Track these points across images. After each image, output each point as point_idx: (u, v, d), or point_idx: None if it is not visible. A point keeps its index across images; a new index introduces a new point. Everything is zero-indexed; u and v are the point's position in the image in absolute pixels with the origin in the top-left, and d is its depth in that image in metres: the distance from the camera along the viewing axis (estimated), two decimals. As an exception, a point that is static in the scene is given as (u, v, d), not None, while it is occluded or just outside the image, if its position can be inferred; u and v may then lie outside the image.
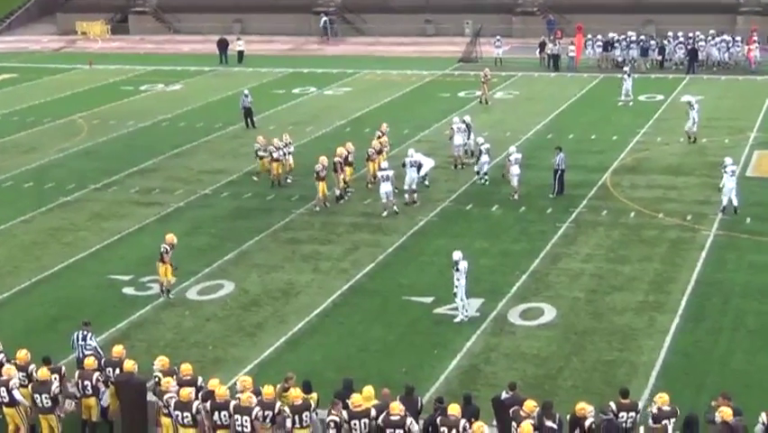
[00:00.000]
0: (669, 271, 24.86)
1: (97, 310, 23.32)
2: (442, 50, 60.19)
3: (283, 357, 20.94)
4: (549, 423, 15.42)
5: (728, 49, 52.21)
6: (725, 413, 15.18)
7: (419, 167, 30.80)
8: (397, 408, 15.75)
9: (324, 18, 66.92)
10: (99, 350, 19.24)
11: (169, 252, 23.78)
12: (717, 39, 52.50)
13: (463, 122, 34.78)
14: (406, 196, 30.33)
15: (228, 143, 39.01)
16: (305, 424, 16.25)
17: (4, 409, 17.27)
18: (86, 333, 19.33)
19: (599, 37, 53.98)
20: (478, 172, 32.39)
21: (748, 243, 26.64)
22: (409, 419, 15.73)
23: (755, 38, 52.07)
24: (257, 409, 16.07)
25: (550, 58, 53.55)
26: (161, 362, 17.72)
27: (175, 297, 24.08)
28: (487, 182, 32.14)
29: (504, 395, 16.64)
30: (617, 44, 53.43)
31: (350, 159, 31.44)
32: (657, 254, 25.97)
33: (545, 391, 18.74)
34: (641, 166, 34.24)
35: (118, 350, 18.25)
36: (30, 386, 17.40)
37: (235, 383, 18.29)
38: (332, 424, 16.00)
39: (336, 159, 30.68)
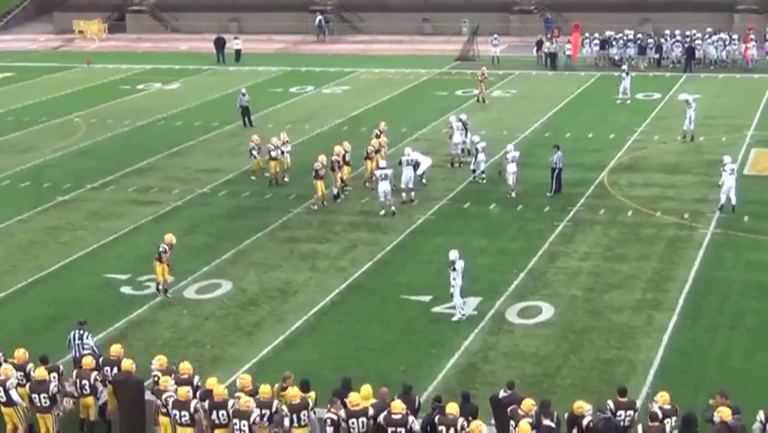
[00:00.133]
0: (667, 270, 24.87)
1: (95, 310, 23.31)
2: (439, 48, 60.22)
3: (281, 356, 20.93)
4: (547, 422, 15.42)
5: (725, 47, 52.27)
6: (724, 413, 15.17)
7: (416, 165, 30.80)
8: (398, 406, 15.74)
9: (320, 17, 66.90)
10: (96, 349, 19.22)
11: (167, 251, 23.77)
12: (715, 37, 52.56)
13: (460, 120, 34.78)
14: (404, 194, 30.32)
15: (225, 142, 39.00)
16: (303, 423, 16.24)
17: (2, 408, 17.26)
18: (82, 332, 19.31)
19: (597, 35, 53.99)
20: (474, 171, 32.39)
21: (746, 241, 26.65)
22: (411, 418, 15.72)
23: (752, 36, 52.10)
24: (255, 412, 16.04)
25: (547, 56, 53.57)
26: (159, 361, 17.69)
27: (173, 296, 24.06)
28: (484, 180, 32.14)
29: (502, 394, 16.64)
30: (614, 42, 53.48)
31: (347, 158, 31.43)
32: (655, 253, 25.98)
33: (543, 389, 18.74)
34: (638, 164, 34.25)
35: (116, 349, 18.23)
36: (27, 386, 17.38)
37: (234, 382, 18.34)
38: (329, 421, 16.00)
39: (334, 157, 30.67)
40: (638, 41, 53.03)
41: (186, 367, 17.45)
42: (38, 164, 36.69)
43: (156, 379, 17.31)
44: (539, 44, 54.56)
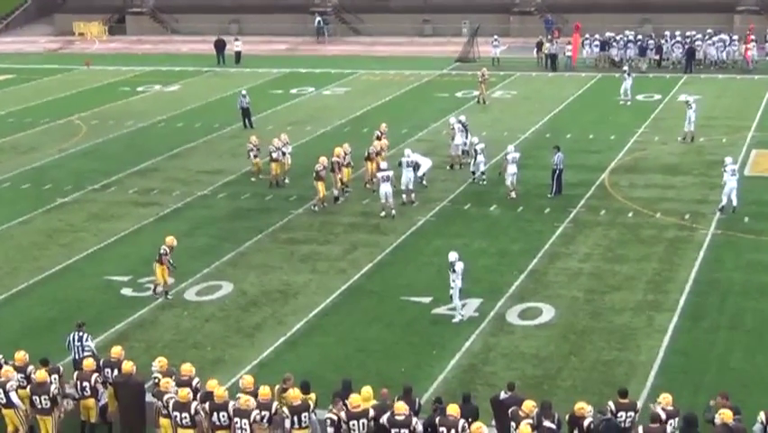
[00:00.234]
0: (667, 271, 24.87)
1: (96, 311, 23.34)
2: (439, 49, 60.26)
3: (282, 358, 20.93)
4: (547, 423, 15.42)
5: (726, 48, 52.28)
6: (725, 415, 15.17)
7: (416, 167, 30.80)
8: (402, 407, 15.74)
9: (319, 18, 66.96)
10: (94, 351, 19.22)
11: (168, 253, 23.78)
12: (715, 38, 52.57)
13: (459, 122, 34.78)
14: (404, 196, 30.32)
15: (226, 144, 39.01)
16: (304, 425, 16.24)
17: (3, 410, 17.27)
18: (81, 334, 19.32)
19: (597, 36, 54.02)
20: (473, 173, 32.39)
21: (746, 242, 26.66)
22: (414, 419, 15.73)
23: (753, 37, 52.11)
24: (256, 411, 16.06)
25: (547, 57, 53.59)
26: (160, 363, 17.69)
27: (173, 298, 24.07)
28: (485, 182, 32.15)
29: (503, 395, 16.64)
30: (614, 43, 53.49)
31: (347, 159, 31.44)
32: (655, 254, 25.98)
33: (544, 390, 18.74)
34: (639, 165, 34.26)
35: (117, 351, 18.23)
36: (28, 387, 17.38)
37: (235, 384, 18.37)
38: (329, 422, 16.01)
39: (334, 159, 30.68)
40: (638, 42, 53.05)
41: (187, 369, 17.45)
42: (39, 166, 36.70)
43: (156, 381, 17.32)
44: (539, 45, 54.58)
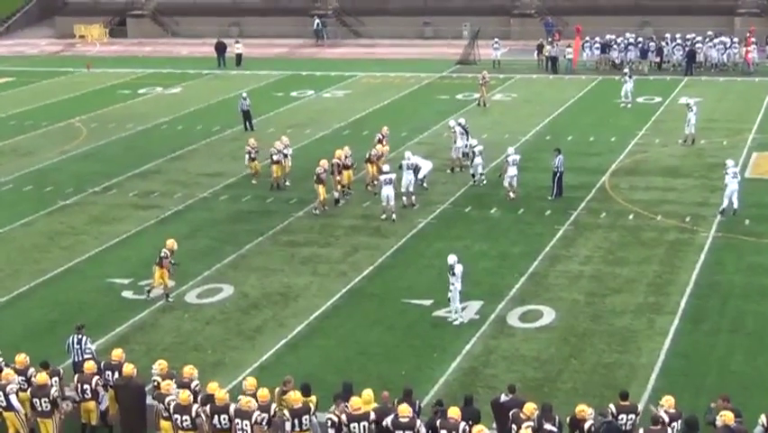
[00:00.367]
0: (668, 273, 24.87)
1: (97, 314, 23.36)
2: (440, 52, 60.26)
3: (282, 360, 20.93)
4: (548, 426, 15.42)
5: (726, 50, 52.28)
6: (727, 417, 15.19)
7: (416, 169, 30.80)
8: (406, 410, 15.74)
9: (318, 21, 67.02)
10: (94, 354, 19.21)
11: (168, 256, 23.78)
12: (716, 40, 52.58)
13: (459, 124, 34.77)
14: (404, 198, 30.33)
15: (227, 146, 39.01)
16: (305, 427, 16.25)
17: (4, 413, 17.27)
18: (80, 337, 19.32)
19: (597, 39, 54.04)
20: (473, 175, 32.40)
21: (747, 244, 26.66)
22: (418, 422, 15.73)
23: (753, 39, 52.13)
24: (257, 413, 16.07)
25: (548, 60, 53.62)
26: (160, 366, 17.70)
27: (174, 300, 24.07)
28: (484, 182, 32.17)
29: (503, 398, 16.65)
30: (614, 46, 53.52)
31: (348, 162, 31.45)
32: (656, 256, 25.99)
33: (545, 393, 18.74)
34: (639, 168, 34.26)
35: (117, 354, 18.24)
36: (29, 390, 17.39)
37: (235, 386, 18.40)
38: (329, 422, 16.01)
39: (335, 160, 30.71)
40: (639, 45, 53.06)
41: (188, 371, 17.45)
42: (40, 168, 36.73)
43: (156, 384, 17.33)
44: (540, 48, 54.61)
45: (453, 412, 15.70)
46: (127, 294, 24.69)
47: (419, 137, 39.20)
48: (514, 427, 15.56)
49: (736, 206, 28.48)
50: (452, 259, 22.28)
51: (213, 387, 16.83)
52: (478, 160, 32.17)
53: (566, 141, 37.26)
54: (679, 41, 52.94)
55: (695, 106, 37.07)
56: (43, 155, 38.55)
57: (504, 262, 26.03)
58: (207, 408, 16.47)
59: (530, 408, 15.65)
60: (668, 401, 15.86)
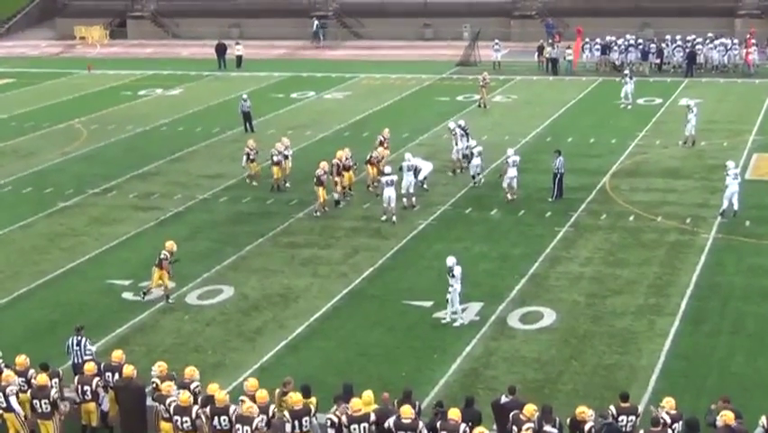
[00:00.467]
0: (668, 275, 24.86)
1: (97, 315, 23.36)
2: (440, 53, 60.25)
3: (283, 362, 20.92)
4: (549, 427, 15.42)
5: (727, 52, 52.28)
6: (727, 417, 15.19)
7: (416, 171, 30.80)
8: (408, 411, 15.72)
9: (316, 22, 67.06)
10: (93, 355, 19.20)
11: (167, 258, 23.77)
12: (716, 42, 52.58)
13: (459, 126, 34.76)
14: (405, 200, 30.32)
15: (227, 148, 39.00)
16: (305, 429, 16.23)
17: (4, 414, 17.27)
18: (79, 338, 19.31)
19: (597, 40, 54.05)
20: (474, 177, 32.41)
21: (747, 245, 26.65)
22: (420, 423, 15.71)
23: (754, 41, 52.13)
24: (258, 418, 16.04)
25: (548, 61, 53.63)
26: (160, 368, 17.69)
27: (174, 301, 24.07)
28: (482, 181, 32.19)
29: (504, 399, 16.64)
30: (614, 47, 53.51)
31: (349, 163, 31.44)
32: (656, 258, 25.98)
33: (545, 394, 18.73)
34: (640, 169, 34.26)
35: (117, 355, 18.24)
36: (29, 392, 17.38)
37: (235, 388, 18.38)
38: (329, 422, 16.00)
39: (335, 161, 30.72)
40: (640, 46, 53.06)
41: (190, 372, 17.43)
42: (40, 170, 36.73)
43: (154, 386, 17.32)
44: (540, 49, 54.61)
45: (454, 414, 15.68)
46: (127, 295, 24.68)
47: (419, 138, 39.20)
48: (514, 428, 15.55)
49: (736, 207, 28.47)
50: (450, 261, 22.29)
51: (213, 388, 16.81)
52: (476, 160, 32.18)
53: (566, 142, 37.27)
54: (679, 42, 52.95)
55: (695, 108, 37.06)
56: (44, 156, 38.56)
57: (504, 263, 26.02)
58: (207, 409, 16.46)
59: (530, 409, 15.64)
60: (669, 403, 15.85)
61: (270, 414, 16.24)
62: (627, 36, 54.05)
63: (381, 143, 33.31)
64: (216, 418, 16.31)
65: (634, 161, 35.23)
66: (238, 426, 16.05)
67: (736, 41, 53.13)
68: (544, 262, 25.91)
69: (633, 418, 16.02)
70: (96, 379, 17.65)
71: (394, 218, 29.15)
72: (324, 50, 65.04)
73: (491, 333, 21.95)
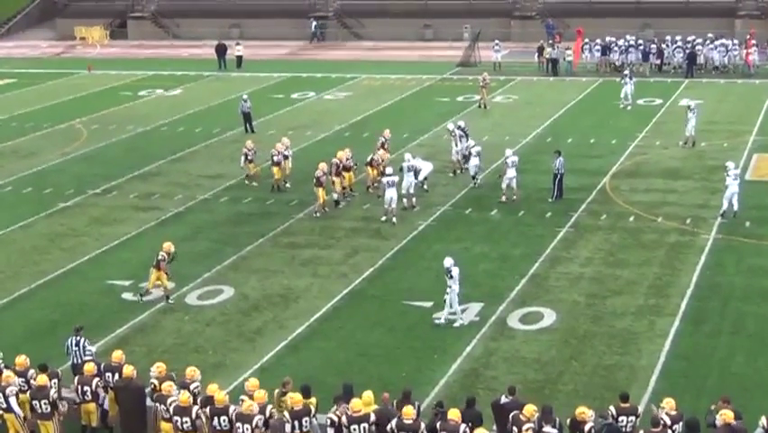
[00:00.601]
0: (668, 275, 24.87)
1: (97, 315, 23.37)
2: (440, 54, 60.26)
3: (283, 362, 20.92)
4: (549, 427, 15.42)
5: (727, 52, 52.29)
6: (727, 415, 15.20)
7: (416, 171, 30.80)
8: (410, 412, 15.72)
9: (314, 23, 67.07)
10: (94, 355, 19.21)
11: (165, 259, 23.76)
12: (717, 42, 52.58)
13: (459, 127, 34.75)
14: (405, 200, 30.33)
15: (227, 148, 39.00)
16: (305, 429, 16.23)
17: (4, 415, 17.27)
18: (78, 338, 19.31)
19: (598, 41, 54.05)
20: (474, 177, 32.42)
21: (747, 246, 26.66)
22: (422, 424, 15.70)
23: (754, 41, 52.14)
24: (258, 416, 16.05)
25: (548, 62, 53.63)
26: (159, 369, 17.67)
27: (174, 302, 24.07)
28: (479, 182, 32.19)
29: (504, 399, 16.64)
30: (615, 48, 53.51)
31: (349, 164, 31.44)
32: (656, 258, 25.98)
33: (545, 395, 18.73)
34: (640, 170, 34.26)
35: (117, 355, 18.24)
36: (28, 392, 17.39)
37: (235, 388, 18.39)
38: (329, 422, 16.00)
39: (334, 160, 30.73)
40: (640, 47, 53.05)
41: (191, 372, 17.42)
42: (40, 170, 36.74)
43: (153, 386, 17.32)
44: (540, 50, 54.62)
45: (454, 414, 15.68)
46: (127, 296, 24.68)
47: (420, 139, 39.21)
48: (514, 429, 15.55)
49: (736, 208, 28.47)
50: (448, 262, 22.28)
51: (213, 389, 16.81)
52: (474, 160, 32.20)
53: (566, 143, 37.27)
54: (679, 43, 52.95)
55: (695, 108, 37.05)
56: (44, 157, 38.56)
57: (504, 263, 26.02)
58: (207, 409, 16.46)
59: (530, 409, 15.65)
60: (669, 403, 15.84)
61: (268, 414, 16.23)
62: (628, 37, 54.03)
63: (383, 145, 33.26)
64: (216, 418, 16.32)
65: (634, 162, 35.23)
66: (238, 424, 16.05)
67: (736, 41, 53.15)
68: (544, 263, 25.92)
69: (633, 418, 16.01)
70: (96, 379, 17.65)
71: (394, 219, 29.15)
72: (324, 50, 65.05)
73: (491, 333, 21.96)
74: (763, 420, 15.53)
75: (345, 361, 20.93)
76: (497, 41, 55.97)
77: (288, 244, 27.99)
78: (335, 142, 36.94)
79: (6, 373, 17.57)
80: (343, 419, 15.97)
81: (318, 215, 30.10)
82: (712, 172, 32.73)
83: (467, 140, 34.47)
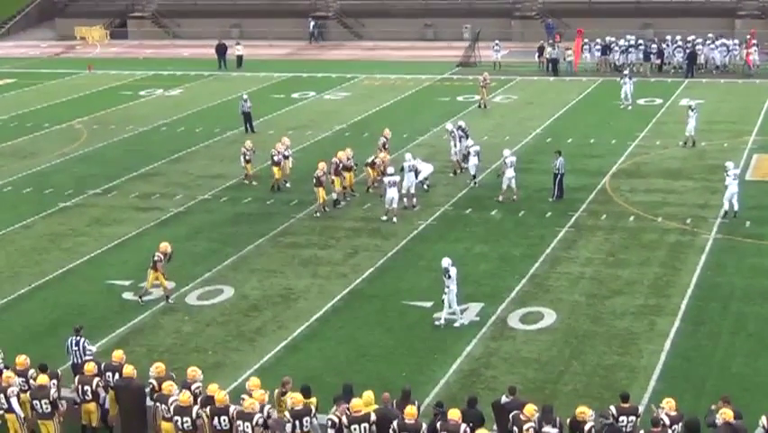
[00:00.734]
0: (668, 275, 24.86)
1: (97, 316, 23.37)
2: (440, 54, 60.24)
3: (283, 362, 20.92)
4: (549, 427, 15.42)
5: (728, 52, 52.27)
6: (727, 414, 15.19)
7: (416, 171, 30.78)
8: (412, 412, 15.72)
9: (313, 23, 67.09)
10: (93, 355, 19.20)
11: (162, 260, 23.74)
12: (718, 42, 52.57)
13: (459, 128, 34.74)
14: (405, 200, 30.33)
15: (227, 148, 38.99)
16: (305, 429, 16.23)
17: (5, 414, 17.27)
18: (78, 338, 19.30)
19: (598, 41, 54.04)
20: (474, 176, 32.40)
21: (748, 246, 26.65)
22: (424, 424, 15.70)
23: (754, 41, 52.13)
24: (258, 415, 16.05)
25: (549, 62, 53.61)
26: (158, 369, 17.67)
27: (174, 302, 24.07)
28: (476, 182, 32.15)
29: (504, 399, 16.64)
30: (615, 48, 53.51)
31: (350, 164, 31.44)
32: (657, 258, 25.98)
33: (545, 395, 18.73)
34: (640, 170, 34.25)
35: (118, 355, 18.24)
36: (29, 392, 17.39)
37: (235, 388, 18.39)
38: (329, 423, 15.99)
39: (334, 160, 30.73)
40: (641, 47, 53.03)
41: (192, 372, 17.40)
42: (40, 170, 36.73)
43: (152, 387, 17.31)
44: (540, 50, 54.61)
45: (454, 414, 15.66)
46: (127, 296, 24.68)
47: (420, 139, 39.20)
48: (515, 428, 15.56)
49: (736, 208, 28.47)
50: (446, 262, 22.27)
51: (213, 388, 16.81)
52: (473, 160, 32.20)
53: (567, 143, 37.27)
54: (680, 42, 52.94)
55: (696, 108, 37.04)
56: (44, 157, 38.56)
57: (504, 263, 26.02)
58: (207, 409, 16.46)
59: (530, 409, 15.65)
60: (669, 403, 15.84)
61: (266, 414, 16.21)
62: (628, 37, 54.02)
63: (384, 146, 33.21)
64: (216, 417, 16.32)
65: (634, 162, 35.23)
66: (239, 422, 16.05)
67: (736, 41, 53.14)
68: (544, 263, 25.91)
69: (633, 418, 16.01)
70: (97, 379, 17.65)
71: (394, 218, 29.16)
72: (324, 50, 65.04)
73: (491, 333, 21.95)
74: (763, 420, 15.53)
75: (345, 361, 20.93)
76: (497, 41, 55.98)
77: (288, 244, 27.98)
78: (335, 142, 36.95)
79: (7, 373, 17.57)
80: (344, 419, 15.96)
81: (318, 214, 30.10)
82: (712, 172, 32.71)
83: (467, 140, 34.46)
